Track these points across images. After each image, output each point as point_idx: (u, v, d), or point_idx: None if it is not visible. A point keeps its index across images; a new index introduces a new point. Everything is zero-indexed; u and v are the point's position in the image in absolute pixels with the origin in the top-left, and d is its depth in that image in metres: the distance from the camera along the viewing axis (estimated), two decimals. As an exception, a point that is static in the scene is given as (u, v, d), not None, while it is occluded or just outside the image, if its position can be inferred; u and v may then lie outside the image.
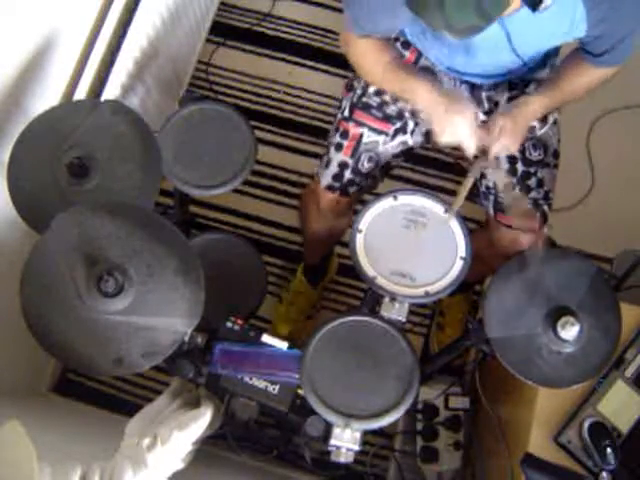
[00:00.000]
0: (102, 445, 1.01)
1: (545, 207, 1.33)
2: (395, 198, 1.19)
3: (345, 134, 1.37)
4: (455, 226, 1.16)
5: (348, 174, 1.37)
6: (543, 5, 0.93)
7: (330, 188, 1.39)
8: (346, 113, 1.38)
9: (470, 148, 1.17)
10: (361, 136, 1.36)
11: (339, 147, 1.37)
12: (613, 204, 1.97)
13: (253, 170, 1.23)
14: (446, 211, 1.17)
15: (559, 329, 1.01)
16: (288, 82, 2.15)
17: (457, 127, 1.14)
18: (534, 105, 1.21)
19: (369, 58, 1.23)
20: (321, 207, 1.43)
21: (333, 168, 1.38)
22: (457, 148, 1.20)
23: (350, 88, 1.40)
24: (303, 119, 2.11)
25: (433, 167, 2.05)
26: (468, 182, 1.22)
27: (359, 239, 1.15)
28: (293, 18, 2.22)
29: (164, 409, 0.98)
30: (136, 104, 1.67)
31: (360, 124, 1.36)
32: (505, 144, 1.20)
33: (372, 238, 1.15)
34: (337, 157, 1.37)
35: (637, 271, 1.50)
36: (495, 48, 1.16)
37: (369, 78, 1.30)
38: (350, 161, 1.37)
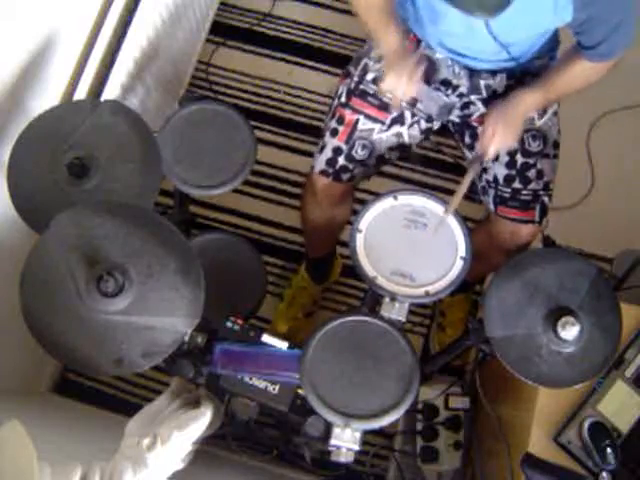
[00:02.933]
0: (102, 445, 1.01)
1: (545, 198, 1.33)
2: (395, 198, 1.19)
3: (341, 120, 1.38)
4: (455, 226, 1.16)
5: (341, 160, 1.38)
6: None
7: (323, 173, 1.39)
8: (343, 99, 1.39)
9: (396, 100, 1.28)
10: (356, 123, 1.36)
11: (334, 132, 1.38)
12: (613, 204, 1.97)
13: (253, 170, 1.23)
14: (446, 211, 1.17)
15: (559, 329, 1.01)
16: (288, 82, 2.15)
17: (394, 73, 1.23)
18: (527, 101, 1.22)
19: None
20: (316, 193, 1.43)
21: (327, 153, 1.38)
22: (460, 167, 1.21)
23: (347, 75, 1.41)
24: (303, 119, 2.11)
25: (433, 167, 2.05)
26: (466, 181, 1.22)
27: (359, 239, 1.15)
28: (293, 18, 2.22)
29: (164, 409, 0.98)
30: (136, 104, 1.67)
31: (356, 111, 1.37)
32: (500, 144, 1.21)
33: (372, 238, 1.15)
34: (332, 142, 1.38)
35: (637, 271, 1.50)
36: (478, 39, 1.17)
37: (354, 4, 1.32)
38: (344, 147, 1.37)
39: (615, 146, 2.07)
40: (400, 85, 1.24)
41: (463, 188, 1.22)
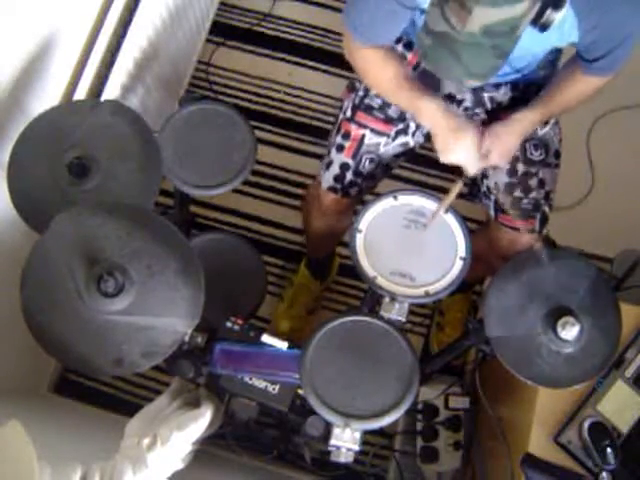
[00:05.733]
0: (102, 445, 1.00)
1: (546, 207, 1.33)
2: (395, 198, 1.19)
3: (347, 135, 1.37)
4: (455, 226, 1.16)
5: (349, 175, 1.37)
6: (552, 26, 0.93)
7: (332, 189, 1.39)
8: (348, 114, 1.38)
9: (472, 170, 1.19)
10: (363, 138, 1.36)
11: (340, 148, 1.37)
12: (613, 204, 1.97)
13: (253, 170, 1.23)
14: (446, 211, 1.17)
15: (559, 329, 1.01)
16: (288, 82, 2.15)
17: (460, 150, 1.16)
18: (524, 122, 1.21)
19: (373, 70, 1.23)
20: (323, 208, 1.44)
21: (334, 169, 1.38)
22: (458, 167, 1.21)
23: (352, 89, 1.40)
24: (303, 119, 2.11)
25: (433, 167, 2.05)
26: (457, 186, 1.22)
27: (359, 239, 1.15)
28: (293, 18, 2.22)
29: (164, 409, 0.98)
30: (136, 104, 1.67)
31: (362, 125, 1.36)
32: (491, 163, 1.21)
33: (372, 238, 1.15)
34: (338, 158, 1.38)
35: (637, 271, 1.50)
36: None
37: (374, 89, 1.31)
38: (351, 162, 1.37)
39: (615, 146, 2.07)
40: (470, 158, 1.16)
41: (455, 190, 1.21)
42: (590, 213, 1.97)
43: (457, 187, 1.21)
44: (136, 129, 1.11)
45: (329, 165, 1.39)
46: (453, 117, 1.17)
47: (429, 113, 1.18)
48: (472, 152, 1.16)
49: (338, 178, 1.38)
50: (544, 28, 0.93)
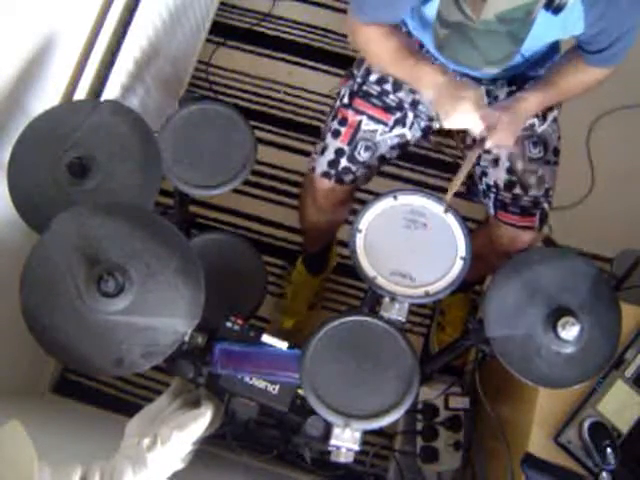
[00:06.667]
0: (102, 445, 1.01)
1: (545, 205, 1.33)
2: (395, 198, 1.19)
3: (343, 121, 1.37)
4: (455, 226, 1.17)
5: (344, 161, 1.37)
6: (565, 8, 0.93)
7: (325, 175, 1.38)
8: (345, 100, 1.38)
9: (477, 130, 1.17)
10: (359, 124, 1.36)
11: (336, 134, 1.37)
12: (613, 204, 1.97)
13: (253, 170, 1.23)
14: (446, 211, 1.17)
15: (559, 329, 1.01)
16: (288, 82, 2.15)
17: (464, 111, 1.14)
18: (528, 102, 1.21)
19: (375, 45, 1.23)
20: (317, 195, 1.42)
21: (329, 155, 1.37)
22: (462, 131, 1.19)
23: (350, 76, 1.40)
24: (303, 119, 2.11)
25: (433, 167, 2.05)
26: (462, 173, 1.21)
27: (359, 239, 1.15)
28: (293, 18, 2.22)
29: (164, 409, 0.98)
30: (136, 104, 1.67)
31: (359, 112, 1.36)
32: (501, 136, 1.20)
33: (372, 238, 1.15)
34: (334, 144, 1.37)
35: (637, 271, 1.50)
36: None
37: (376, 64, 1.31)
38: (347, 148, 1.36)
39: (615, 146, 2.07)
40: (473, 116, 1.14)
41: (459, 178, 1.21)
42: (590, 213, 1.97)
43: (474, 155, 1.20)
44: (136, 129, 1.11)
45: (324, 150, 1.38)
46: (454, 77, 1.17)
47: (430, 77, 1.17)
48: (475, 109, 1.14)
49: (332, 163, 1.37)
50: (558, 10, 0.93)
